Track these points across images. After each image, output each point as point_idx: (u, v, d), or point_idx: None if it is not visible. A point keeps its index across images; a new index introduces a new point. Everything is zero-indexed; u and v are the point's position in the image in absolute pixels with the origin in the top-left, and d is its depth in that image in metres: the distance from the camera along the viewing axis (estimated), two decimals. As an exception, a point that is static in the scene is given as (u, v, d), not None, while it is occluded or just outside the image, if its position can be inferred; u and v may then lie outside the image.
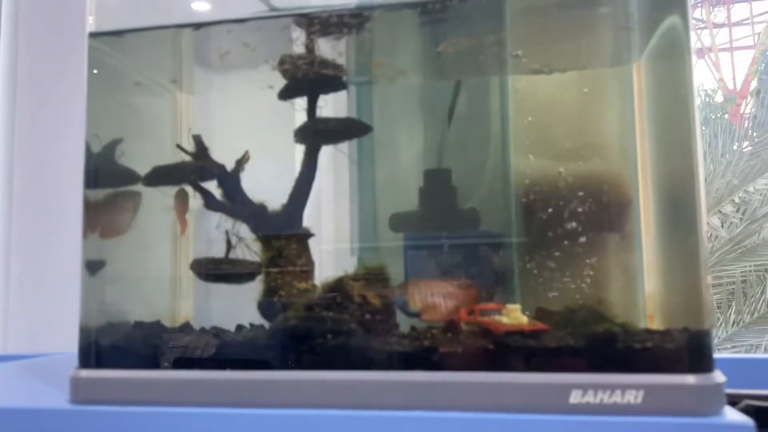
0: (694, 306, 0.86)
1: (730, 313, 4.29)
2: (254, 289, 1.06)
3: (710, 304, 0.85)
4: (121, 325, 1.03)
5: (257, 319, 1.05)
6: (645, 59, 1.03)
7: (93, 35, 1.01)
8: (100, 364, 0.96)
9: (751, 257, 4.16)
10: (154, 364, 0.94)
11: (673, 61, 0.93)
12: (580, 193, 0.98)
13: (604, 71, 1.08)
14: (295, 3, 1.08)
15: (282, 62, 1.06)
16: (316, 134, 1.07)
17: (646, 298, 0.99)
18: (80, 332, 0.97)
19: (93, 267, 1.03)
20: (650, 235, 1.00)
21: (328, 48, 1.06)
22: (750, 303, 4.24)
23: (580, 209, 0.99)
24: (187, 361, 0.95)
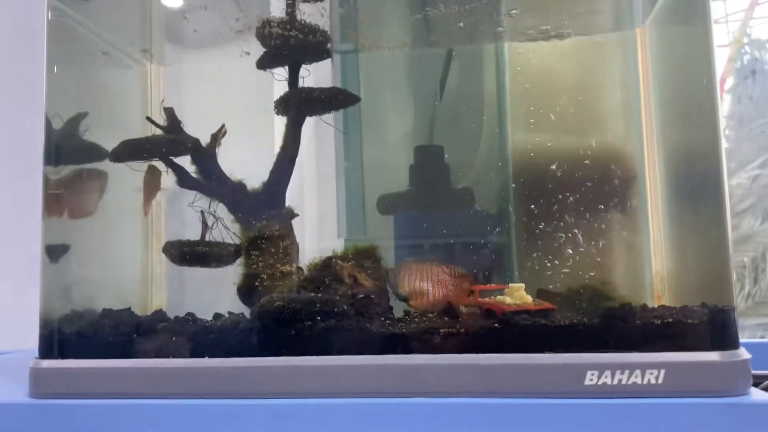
0: (719, 280, 0.80)
1: (710, 311, 4.27)
2: (233, 272, 0.98)
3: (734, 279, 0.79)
4: (86, 312, 0.94)
5: (237, 305, 0.97)
6: (656, 21, 0.97)
7: (53, -6, 0.92)
8: (62, 353, 0.86)
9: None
10: (122, 353, 0.85)
11: (689, 19, 0.87)
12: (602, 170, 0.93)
13: (617, 35, 1.02)
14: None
15: (261, 27, 0.98)
16: (299, 105, 0.99)
17: (665, 275, 0.93)
18: (41, 320, 0.87)
19: (54, 251, 0.94)
20: (667, 209, 0.95)
21: (311, 13, 0.99)
22: (735, 296, 4.22)
23: (594, 186, 0.93)
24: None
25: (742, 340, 0.77)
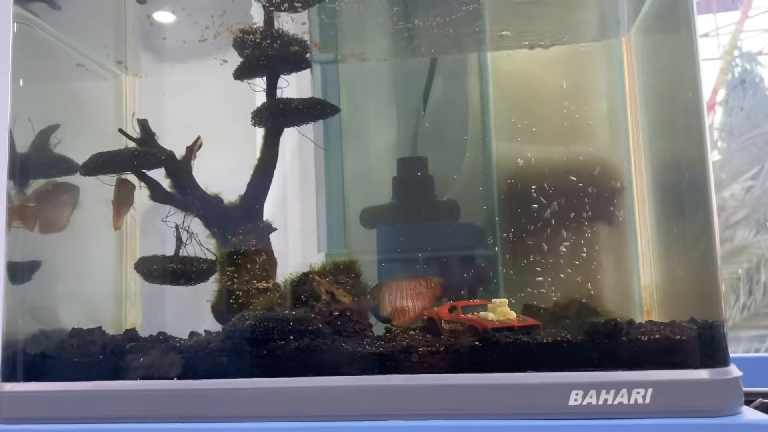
0: (707, 295, 0.77)
1: (705, 323, 4.23)
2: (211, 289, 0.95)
3: (723, 293, 0.76)
4: (53, 332, 0.90)
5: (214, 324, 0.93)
6: (642, 29, 0.95)
7: (20, 1, 0.89)
8: (27, 376, 0.82)
9: (724, 265, 4.12)
10: (90, 375, 0.81)
11: (674, 27, 0.84)
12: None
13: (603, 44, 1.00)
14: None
15: (239, 37, 0.95)
16: (276, 116, 0.96)
17: (654, 289, 0.90)
18: (3, 340, 0.84)
19: (21, 268, 0.90)
20: (654, 221, 0.92)
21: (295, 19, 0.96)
22: (724, 311, 4.18)
23: (580, 197, 0.90)
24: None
25: (735, 354, 0.74)
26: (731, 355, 0.75)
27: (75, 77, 1.03)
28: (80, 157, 0.96)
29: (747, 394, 0.83)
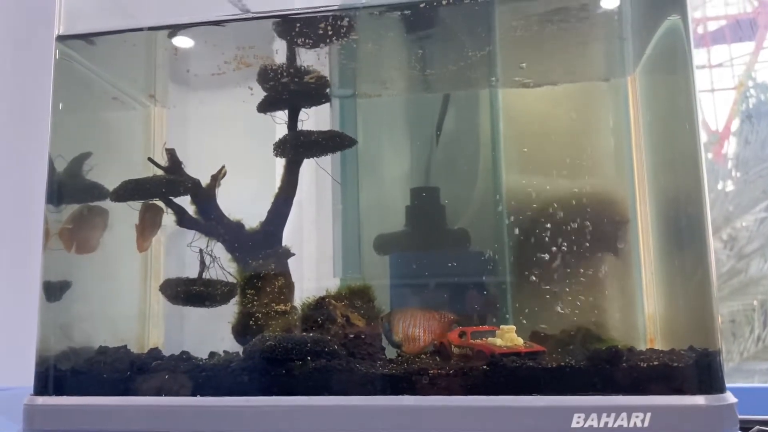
0: (704, 324, 0.80)
1: (719, 354, 4.19)
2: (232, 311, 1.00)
3: (719, 324, 0.79)
4: (82, 349, 0.95)
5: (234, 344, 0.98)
6: (644, 70, 1.00)
7: (61, 38, 0.96)
8: (57, 390, 0.87)
9: (739, 296, 4.10)
10: (117, 390, 0.86)
11: (673, 69, 0.89)
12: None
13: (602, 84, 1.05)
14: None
15: (262, 73, 1.01)
16: (297, 147, 1.01)
17: (658, 318, 0.93)
18: (37, 356, 0.89)
19: (52, 288, 0.96)
20: (657, 254, 0.96)
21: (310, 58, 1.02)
22: (739, 343, 4.16)
23: (587, 229, 0.94)
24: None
25: (740, 384, 0.77)
26: (737, 385, 0.78)
27: (108, 108, 1.09)
28: (110, 183, 1.01)
29: (746, 422, 0.86)
